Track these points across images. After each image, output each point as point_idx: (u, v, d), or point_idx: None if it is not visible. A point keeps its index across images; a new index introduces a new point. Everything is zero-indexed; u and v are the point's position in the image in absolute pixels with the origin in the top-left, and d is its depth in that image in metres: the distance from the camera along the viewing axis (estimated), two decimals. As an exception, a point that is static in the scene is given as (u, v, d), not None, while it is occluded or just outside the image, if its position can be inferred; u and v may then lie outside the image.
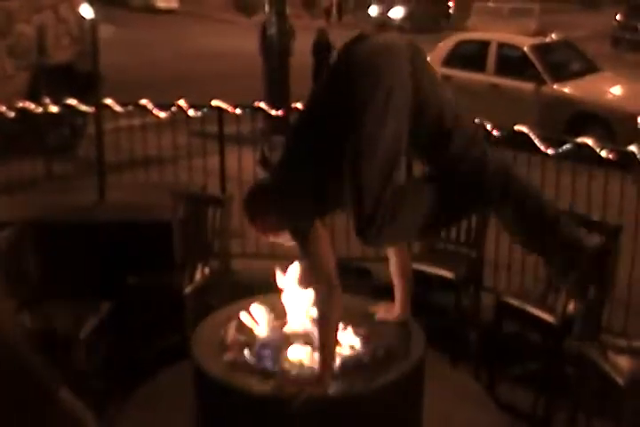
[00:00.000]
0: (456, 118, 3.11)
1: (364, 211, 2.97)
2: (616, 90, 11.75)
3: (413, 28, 25.39)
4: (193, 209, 5.19)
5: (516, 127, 5.77)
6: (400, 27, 25.31)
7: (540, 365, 4.66)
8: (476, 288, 5.32)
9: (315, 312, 3.32)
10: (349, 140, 2.95)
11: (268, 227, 3.29)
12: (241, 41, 19.07)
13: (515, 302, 4.64)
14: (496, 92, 11.71)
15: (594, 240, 4.17)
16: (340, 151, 2.98)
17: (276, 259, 5.86)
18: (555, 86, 11.37)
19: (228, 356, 3.33)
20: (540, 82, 11.42)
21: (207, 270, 5.04)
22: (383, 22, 26.47)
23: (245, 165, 6.58)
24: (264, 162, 3.36)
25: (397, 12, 28.70)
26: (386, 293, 4.53)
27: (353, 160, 2.96)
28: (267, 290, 3.89)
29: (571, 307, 4.54)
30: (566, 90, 11.32)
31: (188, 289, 4.78)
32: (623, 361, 3.87)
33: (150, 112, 6.50)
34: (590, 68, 12.32)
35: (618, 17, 22.33)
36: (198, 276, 4.95)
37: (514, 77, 11.72)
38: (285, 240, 3.29)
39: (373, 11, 29.12)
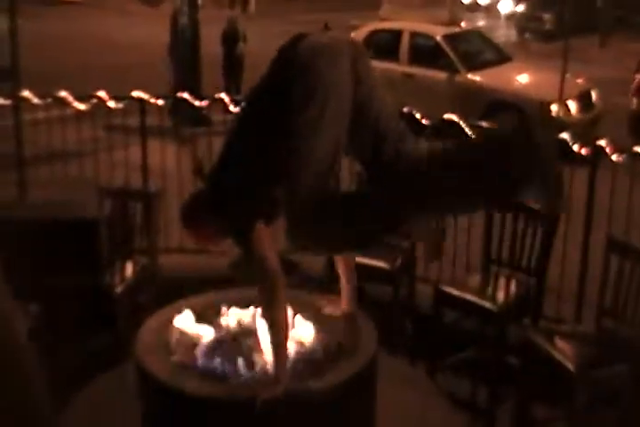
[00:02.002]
0: (389, 118, 3.04)
1: (294, 213, 2.92)
2: (526, 78, 11.96)
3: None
4: (119, 205, 5.00)
5: (446, 116, 5.75)
6: None
7: (481, 353, 4.66)
8: (411, 278, 5.28)
9: (260, 312, 3.23)
10: (285, 142, 2.87)
11: (208, 234, 3.18)
12: (148, 31, 18.71)
13: (453, 291, 4.62)
14: (410, 82, 11.75)
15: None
16: (279, 151, 2.90)
17: (200, 254, 5.83)
18: (468, 75, 11.48)
19: (175, 358, 3.19)
20: (454, 71, 11.52)
21: (136, 268, 4.86)
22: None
23: (168, 158, 6.42)
24: (199, 170, 3.23)
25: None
26: (315, 285, 4.46)
27: (287, 162, 2.89)
28: (195, 286, 3.79)
29: (511, 294, 4.57)
30: (479, 79, 11.44)
31: (119, 288, 4.59)
32: (568, 346, 3.89)
33: (70, 104, 6.25)
34: (501, 57, 12.49)
35: (524, 7, 22.79)
36: (128, 274, 4.76)
37: (427, 67, 11.79)
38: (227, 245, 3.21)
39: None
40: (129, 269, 4.83)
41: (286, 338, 3.05)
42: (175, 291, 4.13)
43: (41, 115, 6.47)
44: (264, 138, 2.98)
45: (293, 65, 2.90)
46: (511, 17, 23.60)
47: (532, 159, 2.77)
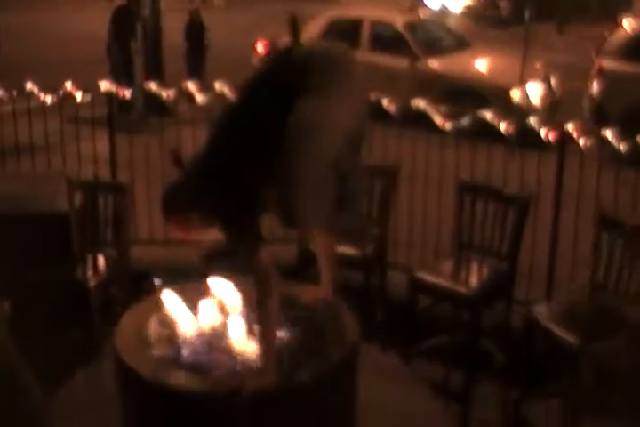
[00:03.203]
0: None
1: (294, 199, 2.94)
2: (486, 64, 12.02)
3: None
4: (89, 198, 4.95)
5: (412, 102, 5.76)
6: None
7: (456, 338, 4.69)
8: (382, 265, 5.30)
9: (252, 302, 3.21)
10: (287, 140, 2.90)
11: (191, 224, 3.15)
12: (101, 25, 18.48)
13: (428, 277, 4.65)
14: (371, 70, 11.73)
15: None
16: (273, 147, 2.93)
17: (170, 245, 5.80)
18: (428, 62, 11.51)
19: (155, 352, 3.17)
20: (414, 58, 11.54)
21: (108, 261, 4.82)
22: None
23: (135, 150, 6.36)
24: (177, 161, 3.21)
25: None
26: (289, 274, 4.44)
27: (289, 155, 2.92)
28: (168, 278, 3.77)
29: (484, 278, 4.60)
30: (440, 66, 11.48)
31: (92, 282, 4.55)
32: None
33: (36, 97, 6.16)
34: (461, 44, 12.55)
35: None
36: (100, 267, 4.72)
37: (388, 54, 11.79)
38: (210, 235, 3.18)
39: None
40: (101, 262, 4.78)
41: (275, 329, 3.05)
42: (148, 283, 4.11)
43: (6, 108, 6.37)
44: (259, 131, 3.00)
45: (302, 72, 2.97)
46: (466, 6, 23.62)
47: None
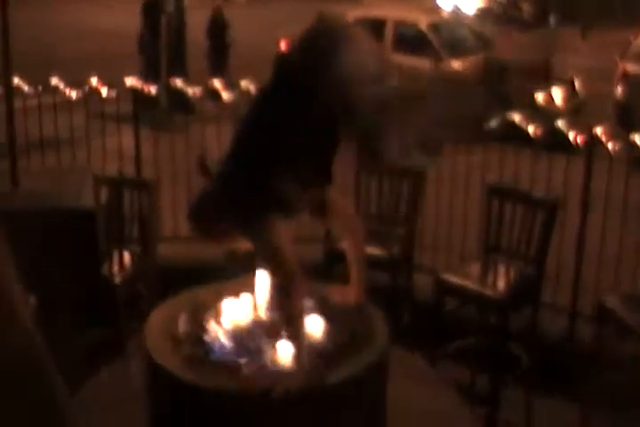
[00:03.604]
0: None
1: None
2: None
3: None
4: (115, 194, 4.94)
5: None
6: None
7: (482, 341, 4.66)
8: (408, 267, 5.27)
9: (275, 304, 3.20)
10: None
11: (220, 232, 3.13)
12: (126, 20, 18.51)
13: (454, 279, 4.62)
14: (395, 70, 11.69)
15: None
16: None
17: (194, 242, 5.78)
18: (452, 63, 11.46)
19: (185, 351, 3.15)
20: (438, 59, 11.50)
21: (133, 258, 4.81)
22: None
23: (159, 147, 6.36)
24: (203, 167, 3.19)
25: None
26: (315, 274, 4.42)
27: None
28: (192, 276, 3.75)
29: (511, 281, 4.57)
30: (463, 67, 11.42)
31: (118, 278, 4.54)
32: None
33: (61, 92, 6.16)
34: (484, 45, 12.49)
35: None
36: (126, 264, 4.71)
37: (411, 55, 11.74)
38: (240, 242, 3.18)
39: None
40: (126, 258, 4.77)
41: (303, 330, 3.03)
42: (173, 280, 4.09)
43: (31, 102, 6.37)
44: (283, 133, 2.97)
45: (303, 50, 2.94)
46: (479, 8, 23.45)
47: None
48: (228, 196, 3.04)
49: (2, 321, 1.70)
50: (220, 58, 12.56)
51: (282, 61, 3.22)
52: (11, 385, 1.75)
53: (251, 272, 3.50)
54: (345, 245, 3.55)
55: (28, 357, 1.78)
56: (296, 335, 2.98)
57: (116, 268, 4.66)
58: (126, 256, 4.79)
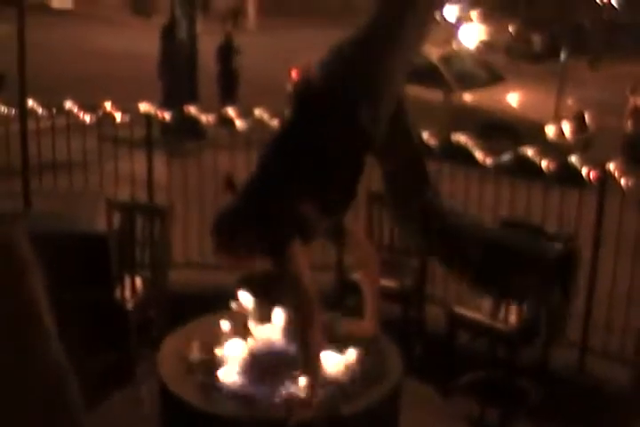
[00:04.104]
0: None
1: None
2: (520, 99, 12.02)
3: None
4: (128, 219, 4.95)
5: (453, 137, 5.73)
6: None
7: (495, 374, 4.63)
8: (420, 299, 5.25)
9: (293, 333, 3.19)
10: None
11: (242, 252, 3.13)
12: (140, 43, 18.64)
13: (467, 313, 4.61)
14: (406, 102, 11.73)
15: (555, 248, 4.20)
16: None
17: (206, 269, 5.78)
18: (463, 96, 11.52)
19: (200, 378, 3.14)
20: (449, 91, 11.56)
21: (146, 283, 4.81)
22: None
23: (171, 172, 6.37)
24: (230, 185, 3.20)
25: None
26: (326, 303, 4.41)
27: None
28: (204, 302, 3.75)
29: (523, 316, 4.55)
30: (475, 99, 11.48)
31: (130, 304, 4.54)
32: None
33: (75, 115, 6.19)
34: (494, 77, 12.56)
35: (510, 28, 22.91)
36: (138, 289, 4.71)
37: (423, 86, 11.79)
38: (259, 264, 3.17)
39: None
40: (138, 284, 4.77)
41: (319, 360, 3.02)
42: (184, 306, 4.08)
43: (44, 124, 6.40)
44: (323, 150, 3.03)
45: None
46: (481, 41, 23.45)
47: None
48: (253, 214, 3.05)
49: (40, 338, 1.82)
50: (229, 84, 12.62)
51: (304, 88, 3.23)
52: (45, 395, 1.86)
53: (264, 299, 3.50)
54: (360, 276, 3.55)
55: (61, 368, 1.94)
56: (312, 366, 2.97)
57: (127, 293, 4.65)
58: (138, 282, 4.79)
